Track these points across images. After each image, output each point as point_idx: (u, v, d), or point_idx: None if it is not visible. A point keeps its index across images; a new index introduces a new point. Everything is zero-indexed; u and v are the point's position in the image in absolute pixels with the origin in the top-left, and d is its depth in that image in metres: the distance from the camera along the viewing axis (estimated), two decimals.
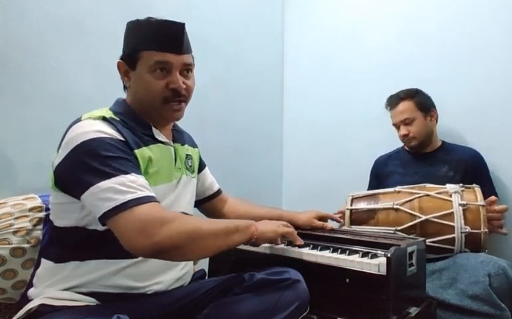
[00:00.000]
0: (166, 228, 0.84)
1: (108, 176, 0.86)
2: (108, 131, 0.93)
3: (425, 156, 1.84)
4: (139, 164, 0.96)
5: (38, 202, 1.14)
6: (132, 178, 0.88)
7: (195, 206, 1.31)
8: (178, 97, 1.04)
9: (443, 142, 1.86)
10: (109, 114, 0.99)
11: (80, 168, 0.88)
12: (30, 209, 1.11)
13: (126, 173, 0.88)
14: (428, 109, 1.80)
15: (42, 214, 1.10)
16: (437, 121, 1.84)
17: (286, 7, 2.62)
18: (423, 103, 1.79)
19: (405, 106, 1.80)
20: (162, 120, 1.09)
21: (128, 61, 1.05)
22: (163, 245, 0.83)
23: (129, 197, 0.84)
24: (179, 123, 1.22)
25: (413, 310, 1.10)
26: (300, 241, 1.20)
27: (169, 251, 0.86)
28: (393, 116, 1.86)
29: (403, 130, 1.81)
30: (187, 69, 1.07)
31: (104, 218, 0.85)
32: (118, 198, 0.84)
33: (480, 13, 1.89)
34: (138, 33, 1.04)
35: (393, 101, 1.85)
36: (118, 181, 0.86)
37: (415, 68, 2.05)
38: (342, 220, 1.61)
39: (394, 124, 1.86)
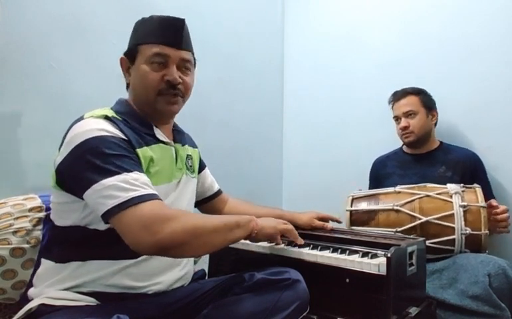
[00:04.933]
0: (169, 225, 0.84)
1: (111, 174, 0.86)
2: (110, 129, 0.93)
3: (422, 157, 1.84)
4: (141, 163, 0.96)
5: (38, 202, 1.13)
6: (135, 176, 0.88)
7: (195, 206, 1.31)
8: (173, 90, 1.04)
9: (441, 143, 1.86)
10: (111, 113, 0.99)
11: (82, 166, 0.88)
12: (30, 209, 1.11)
13: (129, 171, 0.88)
14: (431, 108, 1.82)
15: (42, 215, 1.10)
16: (436, 123, 1.85)
17: (286, 7, 2.62)
18: (427, 101, 1.81)
19: (410, 100, 1.81)
20: (158, 115, 1.07)
21: (129, 56, 1.06)
22: (166, 242, 0.84)
23: (132, 194, 0.84)
24: (179, 123, 1.22)
25: (413, 310, 1.10)
26: (301, 241, 1.20)
27: (173, 248, 0.86)
28: (396, 108, 1.85)
29: (404, 122, 1.80)
30: (185, 66, 1.07)
31: (107, 216, 0.85)
32: (120, 195, 0.84)
33: (480, 14, 1.89)
34: (140, 29, 1.07)
35: (398, 94, 1.86)
36: (121, 179, 0.86)
37: (415, 69, 2.05)
38: (341, 221, 1.60)
39: (396, 116, 1.86)
